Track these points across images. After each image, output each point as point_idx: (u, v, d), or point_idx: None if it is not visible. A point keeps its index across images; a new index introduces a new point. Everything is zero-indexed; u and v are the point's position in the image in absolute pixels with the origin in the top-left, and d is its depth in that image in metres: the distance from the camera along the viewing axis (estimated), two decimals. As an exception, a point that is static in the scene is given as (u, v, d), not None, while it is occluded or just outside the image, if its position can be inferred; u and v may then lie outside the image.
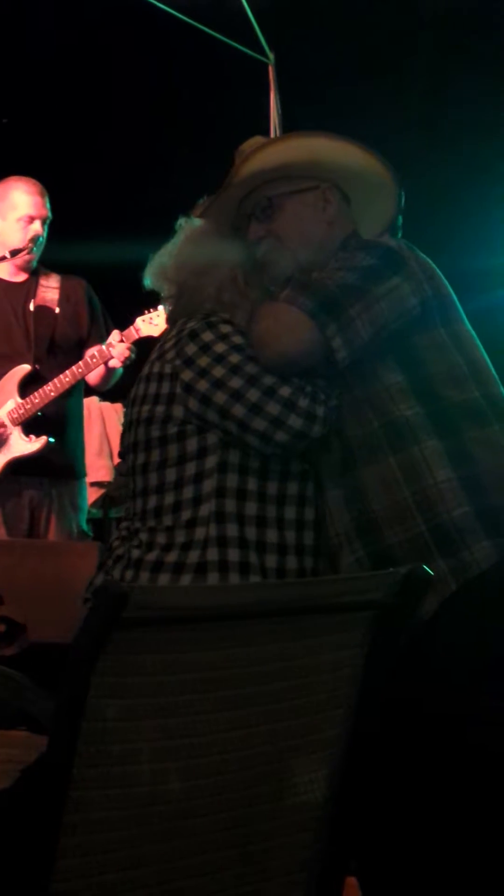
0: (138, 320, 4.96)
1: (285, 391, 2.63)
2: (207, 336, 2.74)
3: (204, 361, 2.70)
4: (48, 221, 5.07)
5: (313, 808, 1.93)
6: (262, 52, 7.21)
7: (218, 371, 2.67)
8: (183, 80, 8.12)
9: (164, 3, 7.13)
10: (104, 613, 1.63)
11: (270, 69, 7.21)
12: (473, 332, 2.80)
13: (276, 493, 2.71)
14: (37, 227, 5.00)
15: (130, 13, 7.21)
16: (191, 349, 2.72)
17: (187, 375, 2.70)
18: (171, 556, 2.64)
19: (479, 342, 2.79)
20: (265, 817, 1.89)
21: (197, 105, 8.03)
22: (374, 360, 2.68)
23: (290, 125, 7.04)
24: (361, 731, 1.95)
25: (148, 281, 2.95)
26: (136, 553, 2.69)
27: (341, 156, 2.84)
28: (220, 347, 2.71)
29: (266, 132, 7.05)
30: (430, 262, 2.78)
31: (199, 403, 2.68)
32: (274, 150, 2.85)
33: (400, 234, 4.89)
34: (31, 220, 5.00)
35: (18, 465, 4.95)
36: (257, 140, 2.90)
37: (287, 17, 7.47)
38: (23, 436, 4.95)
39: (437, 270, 2.78)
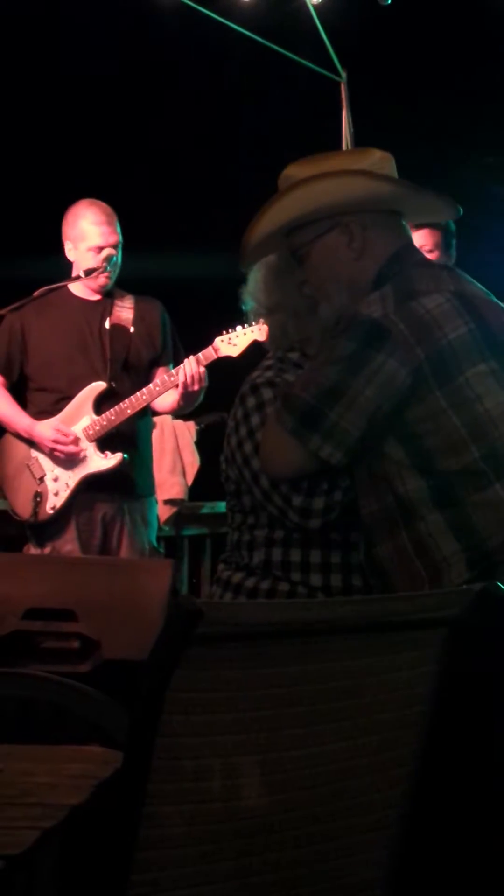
0: (217, 340, 4.97)
1: (284, 487, 2.74)
2: (250, 402, 2.86)
3: (243, 431, 2.84)
4: (120, 245, 5.10)
5: (386, 827, 1.93)
6: (335, 71, 7.23)
7: (247, 447, 2.82)
8: (255, 97, 8.16)
9: (236, 23, 7.17)
10: (178, 630, 1.64)
11: (343, 87, 7.22)
12: (492, 366, 2.67)
13: (320, 562, 2.81)
14: (108, 252, 5.04)
15: (202, 31, 7.25)
16: (241, 412, 2.87)
17: (233, 439, 2.88)
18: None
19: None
20: (338, 835, 1.88)
21: (269, 123, 8.05)
22: (381, 439, 2.66)
23: (361, 143, 7.04)
24: (435, 749, 1.94)
25: (245, 306, 3.01)
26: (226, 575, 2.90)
27: (346, 192, 2.78)
28: (254, 420, 2.83)
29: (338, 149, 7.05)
30: (446, 296, 2.68)
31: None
32: (279, 207, 2.81)
33: (453, 245, 4.85)
34: (101, 249, 5.04)
35: (93, 482, 4.98)
36: (289, 172, 2.86)
37: (360, 35, 7.47)
38: (98, 452, 4.99)
39: (453, 303, 2.67)
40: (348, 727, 1.86)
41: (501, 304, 2.83)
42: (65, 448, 4.94)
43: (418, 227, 4.84)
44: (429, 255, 4.79)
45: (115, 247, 5.06)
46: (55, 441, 4.94)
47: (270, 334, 3.02)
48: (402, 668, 1.90)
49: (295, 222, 2.82)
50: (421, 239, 4.82)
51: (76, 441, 4.96)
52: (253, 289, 2.97)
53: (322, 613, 1.84)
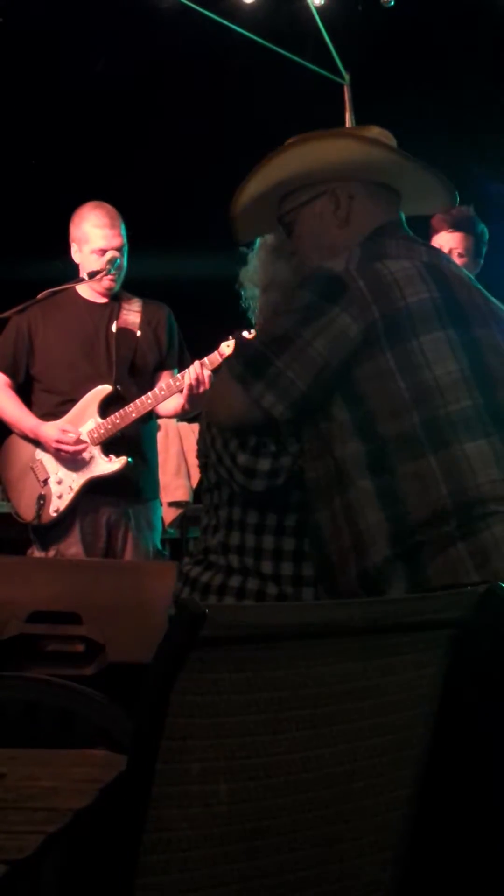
0: (223, 345, 4.96)
1: (232, 445, 2.72)
2: None
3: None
4: (124, 248, 5.10)
5: (392, 829, 1.93)
6: (338, 73, 7.23)
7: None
8: (258, 99, 8.15)
9: (239, 25, 7.17)
10: (183, 632, 1.63)
11: (346, 89, 7.23)
12: (450, 335, 2.61)
13: (273, 548, 2.79)
14: (112, 254, 5.04)
15: (204, 33, 7.25)
16: None
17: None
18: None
19: (476, 347, 2.63)
20: (344, 837, 1.88)
21: (272, 125, 8.05)
22: (328, 399, 2.61)
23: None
24: (440, 751, 1.94)
25: (243, 291, 2.99)
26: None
27: (335, 154, 2.76)
28: None
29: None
30: (414, 263, 2.64)
31: None
32: (269, 168, 2.79)
33: (483, 253, 4.86)
34: (104, 252, 5.04)
35: (97, 485, 4.98)
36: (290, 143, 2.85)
37: (363, 37, 7.47)
38: (102, 455, 4.98)
39: (420, 270, 2.63)
40: (352, 730, 1.85)
41: (494, 300, 2.80)
42: (68, 447, 4.94)
43: (454, 229, 4.86)
44: (458, 260, 4.81)
45: (118, 249, 5.06)
46: (59, 441, 4.94)
47: (261, 314, 2.97)
48: (406, 670, 1.90)
49: (285, 186, 2.80)
50: (453, 241, 4.85)
51: (80, 441, 4.96)
52: (250, 270, 2.96)
53: (326, 616, 1.84)
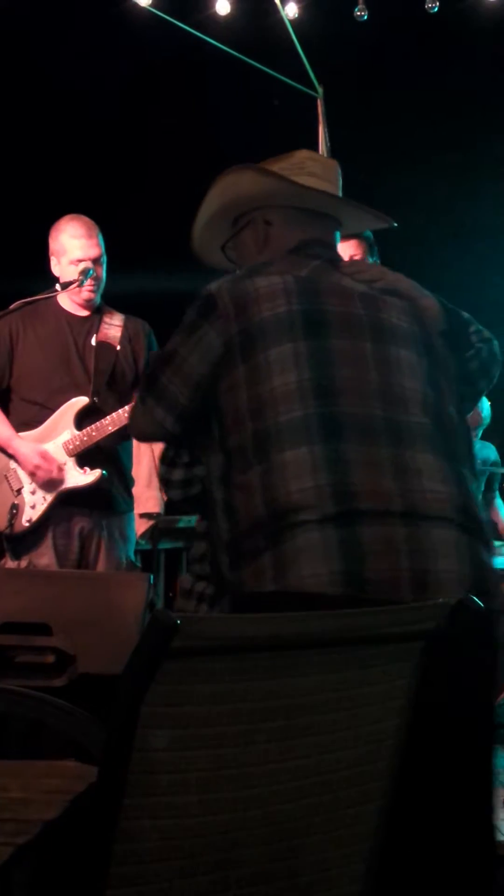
0: None
1: (159, 458, 2.93)
2: None
3: None
4: (102, 259, 5.10)
5: (363, 841, 1.92)
6: (311, 86, 7.25)
7: None
8: (232, 113, 8.17)
9: (214, 38, 7.19)
10: (154, 643, 1.63)
11: (319, 103, 7.25)
12: (300, 347, 2.64)
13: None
14: (85, 265, 5.04)
15: (178, 46, 7.27)
16: None
17: None
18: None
19: (327, 355, 2.64)
20: (315, 849, 1.88)
21: (247, 138, 8.07)
22: (205, 412, 2.71)
23: (338, 157, 7.07)
24: (411, 762, 1.94)
25: None
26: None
27: (246, 187, 2.86)
28: None
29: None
30: (284, 278, 2.69)
31: None
32: (205, 202, 2.91)
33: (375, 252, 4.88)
34: (81, 262, 5.04)
35: (71, 496, 4.98)
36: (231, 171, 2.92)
37: (336, 51, 7.51)
38: (77, 467, 4.97)
39: (286, 284, 2.68)
40: (325, 741, 1.85)
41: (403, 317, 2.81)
42: (46, 475, 4.93)
43: (345, 238, 4.89)
44: None
45: (96, 260, 5.06)
46: (37, 466, 4.93)
47: None
48: (378, 681, 1.90)
49: (221, 218, 2.92)
50: (350, 248, 4.86)
51: (59, 469, 4.95)
52: None
53: (298, 627, 1.84)
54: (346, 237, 4.86)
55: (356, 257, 4.86)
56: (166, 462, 2.92)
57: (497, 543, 7.20)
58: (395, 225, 2.99)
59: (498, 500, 7.51)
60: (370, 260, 4.91)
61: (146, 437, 2.90)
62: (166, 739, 1.69)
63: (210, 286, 2.74)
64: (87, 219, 5.13)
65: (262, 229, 2.87)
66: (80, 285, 5.04)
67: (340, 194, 2.94)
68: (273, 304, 2.65)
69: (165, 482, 2.92)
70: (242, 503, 2.56)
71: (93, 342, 5.09)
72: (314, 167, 2.88)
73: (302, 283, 2.68)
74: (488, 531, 2.62)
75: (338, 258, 2.84)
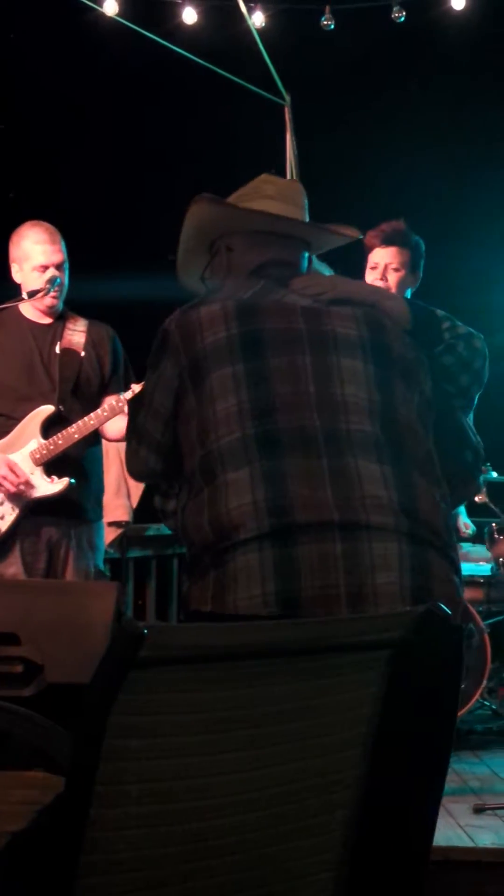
0: None
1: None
2: None
3: None
4: (65, 264, 5.09)
5: (331, 849, 1.93)
6: (279, 94, 7.27)
7: None
8: (201, 121, 8.18)
9: (181, 48, 7.19)
10: (122, 653, 1.63)
11: (286, 110, 7.27)
12: (239, 369, 2.68)
13: None
14: (52, 273, 5.03)
15: (145, 54, 7.27)
16: None
17: None
18: None
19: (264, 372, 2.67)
20: (283, 858, 1.88)
21: (216, 145, 8.08)
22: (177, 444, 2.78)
23: (306, 164, 7.10)
24: (378, 771, 1.94)
25: None
26: None
27: (198, 217, 2.91)
28: None
29: (283, 172, 7.10)
30: (225, 303, 2.74)
31: None
32: (182, 238, 2.97)
33: (421, 265, 4.90)
34: (45, 268, 5.02)
35: (39, 505, 4.95)
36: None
37: (303, 59, 7.53)
38: (44, 476, 4.95)
39: (226, 310, 2.73)
40: (293, 750, 1.85)
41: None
42: (13, 487, 4.91)
43: (386, 244, 4.91)
44: (394, 274, 4.86)
45: (59, 266, 5.05)
46: (3, 477, 4.90)
47: None
48: (346, 690, 1.90)
49: (193, 248, 2.98)
50: (388, 256, 4.89)
51: (27, 482, 4.93)
52: None
53: (266, 636, 1.84)
54: (386, 245, 4.91)
55: (392, 266, 4.90)
56: (160, 493, 2.95)
57: (469, 547, 7.24)
58: (361, 237, 3.00)
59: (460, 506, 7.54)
60: (411, 268, 4.94)
61: (139, 478, 3.01)
62: (134, 749, 1.68)
63: (166, 321, 2.81)
64: (49, 225, 5.11)
65: (225, 256, 2.91)
66: (48, 293, 5.02)
67: (306, 212, 2.95)
68: (214, 330, 2.70)
69: (161, 513, 2.96)
70: (194, 526, 2.61)
71: (57, 350, 5.06)
72: (269, 189, 2.91)
73: (241, 306, 2.73)
74: (444, 534, 2.59)
75: (290, 276, 2.83)
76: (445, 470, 2.75)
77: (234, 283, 2.81)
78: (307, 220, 2.95)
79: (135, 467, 2.90)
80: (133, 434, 2.84)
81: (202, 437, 2.63)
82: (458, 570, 2.60)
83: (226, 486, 2.55)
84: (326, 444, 2.55)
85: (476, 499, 7.20)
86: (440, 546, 2.54)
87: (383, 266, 4.90)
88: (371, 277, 4.92)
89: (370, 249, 4.94)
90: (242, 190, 2.94)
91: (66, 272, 5.09)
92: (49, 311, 5.11)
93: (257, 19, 7.44)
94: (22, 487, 4.91)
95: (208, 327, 2.70)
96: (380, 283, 4.86)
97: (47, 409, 4.98)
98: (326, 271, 3.12)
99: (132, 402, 2.88)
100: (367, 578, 2.44)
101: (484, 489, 6.92)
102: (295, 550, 2.46)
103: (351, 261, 4.79)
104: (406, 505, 2.53)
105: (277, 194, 2.90)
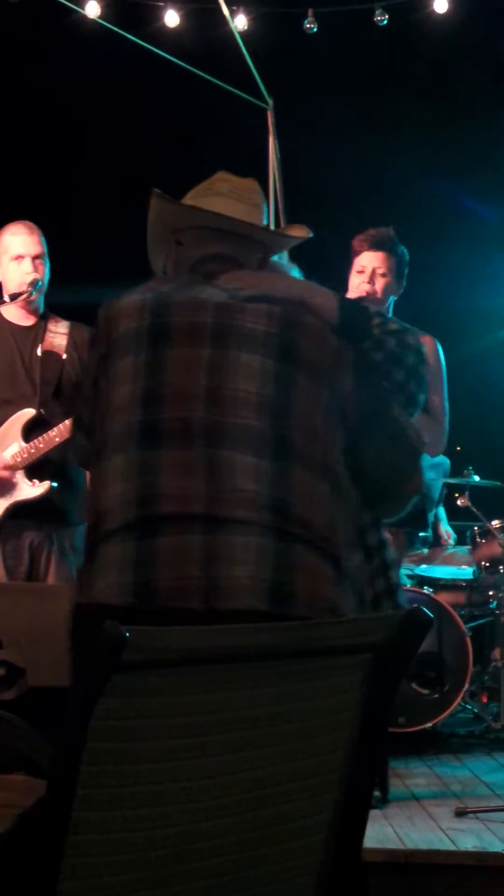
0: None
1: None
2: None
3: None
4: (44, 257, 5.08)
5: (314, 852, 1.92)
6: (262, 98, 7.27)
7: None
8: (185, 125, 8.18)
9: (165, 51, 7.19)
10: (104, 656, 1.63)
11: (269, 114, 7.27)
12: (141, 358, 2.71)
13: None
14: (27, 265, 5.02)
15: (127, 57, 7.26)
16: None
17: None
18: None
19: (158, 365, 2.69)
20: (266, 861, 1.88)
21: (199, 148, 8.09)
22: None
23: (289, 167, 7.11)
24: (360, 774, 1.94)
25: None
26: None
27: (155, 213, 2.92)
28: None
29: (266, 174, 7.10)
30: (142, 295, 2.77)
31: None
32: (148, 232, 2.98)
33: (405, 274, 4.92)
34: (21, 258, 5.02)
35: (20, 509, 4.94)
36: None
37: (286, 63, 7.53)
38: (26, 480, 4.94)
39: (141, 301, 2.75)
40: (276, 753, 1.85)
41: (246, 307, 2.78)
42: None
43: (375, 249, 4.92)
44: (380, 280, 4.88)
45: (36, 257, 5.03)
46: None
47: None
48: (328, 692, 1.90)
49: (156, 242, 2.99)
50: (376, 260, 4.90)
51: (8, 466, 4.92)
52: None
53: (249, 639, 1.84)
54: (375, 249, 4.93)
55: (380, 271, 4.91)
56: None
57: (451, 550, 7.26)
58: (311, 235, 3.01)
59: (441, 512, 7.55)
60: (397, 275, 4.95)
61: (80, 465, 2.97)
62: (116, 753, 1.68)
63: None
64: (28, 221, 5.12)
65: (175, 250, 2.93)
66: (30, 296, 5.02)
67: (262, 211, 2.95)
68: (128, 320, 2.73)
69: None
70: (86, 512, 2.66)
71: (38, 352, 5.06)
72: (222, 187, 2.93)
73: (158, 298, 2.75)
74: (324, 531, 2.57)
75: (223, 272, 2.84)
76: (377, 468, 2.75)
77: (164, 277, 2.87)
78: (264, 218, 2.95)
79: (74, 453, 2.95)
80: (74, 423, 2.90)
81: (100, 422, 2.67)
82: (338, 566, 2.56)
83: (106, 473, 2.60)
84: (206, 436, 2.58)
85: (458, 502, 7.22)
86: (313, 541, 2.53)
87: (371, 270, 4.91)
88: (357, 281, 4.93)
89: (357, 253, 4.95)
90: (199, 186, 2.96)
91: (47, 266, 5.08)
92: (30, 311, 5.10)
93: (240, 22, 7.44)
94: (3, 474, 4.90)
95: (125, 317, 2.74)
96: (366, 287, 4.87)
97: (28, 413, 4.97)
98: (294, 272, 3.12)
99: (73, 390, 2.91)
100: (222, 571, 2.46)
101: (467, 493, 6.94)
102: (156, 541, 2.49)
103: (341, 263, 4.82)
104: (278, 501, 2.53)
105: (230, 192, 2.92)
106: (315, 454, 2.59)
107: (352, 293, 4.92)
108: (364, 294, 4.86)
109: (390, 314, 5.01)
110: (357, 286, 4.91)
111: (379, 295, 4.90)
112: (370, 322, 2.90)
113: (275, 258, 3.03)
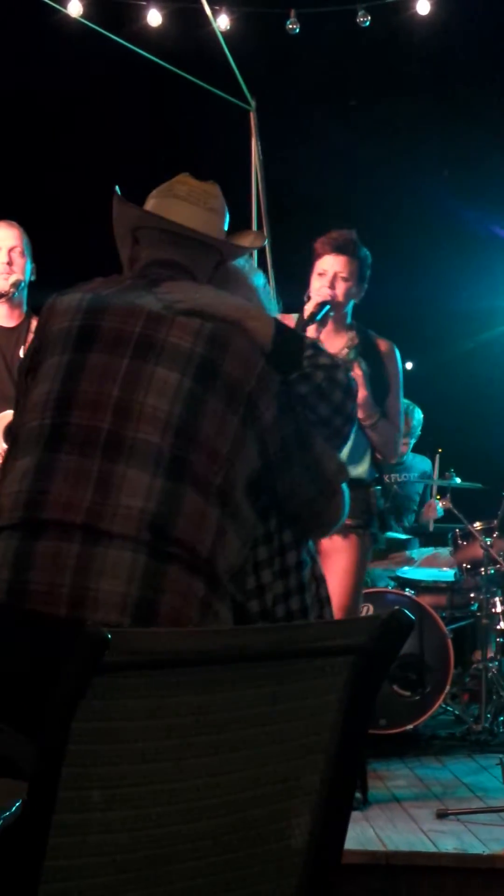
0: None
1: None
2: None
3: None
4: (24, 252, 5.07)
5: (295, 854, 1.92)
6: (244, 99, 7.27)
7: None
8: (168, 125, 8.17)
9: (148, 52, 7.18)
10: (85, 658, 1.62)
11: (252, 115, 7.27)
12: (65, 358, 2.72)
13: None
14: (2, 255, 5.01)
15: (109, 57, 7.25)
16: None
17: None
18: None
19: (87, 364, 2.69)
20: (247, 863, 1.87)
21: (183, 149, 8.08)
22: None
23: (271, 169, 7.11)
24: (341, 776, 1.94)
25: None
26: None
27: (117, 213, 2.94)
28: None
29: (248, 176, 7.10)
30: (82, 295, 2.77)
31: None
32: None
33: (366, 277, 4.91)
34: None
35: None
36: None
37: (269, 65, 7.53)
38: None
39: (79, 301, 2.75)
40: (256, 755, 1.85)
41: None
42: None
43: (337, 253, 4.91)
44: (341, 284, 4.87)
45: (12, 250, 5.03)
46: None
47: None
48: (308, 695, 1.90)
49: (120, 235, 2.99)
50: (337, 265, 4.89)
51: None
52: None
53: (229, 641, 1.84)
54: (337, 253, 4.92)
55: (342, 275, 4.90)
56: None
57: (433, 551, 7.28)
58: (266, 243, 3.02)
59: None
60: (359, 280, 4.95)
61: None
62: (97, 755, 1.68)
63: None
64: (11, 221, 5.13)
65: (131, 248, 2.93)
66: (12, 298, 5.01)
67: (222, 215, 2.93)
68: (62, 319, 2.73)
69: None
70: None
71: (21, 353, 5.05)
72: (180, 190, 2.92)
73: (95, 300, 2.74)
74: (205, 553, 2.56)
75: (168, 278, 2.82)
76: (290, 497, 2.75)
77: (111, 278, 2.86)
78: (224, 223, 2.94)
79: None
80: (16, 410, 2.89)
81: (19, 418, 2.71)
82: (216, 588, 2.56)
83: (12, 471, 2.63)
84: (106, 447, 2.58)
85: (440, 504, 7.24)
86: (191, 562, 2.53)
87: (332, 274, 4.90)
88: (318, 284, 4.92)
89: (319, 256, 4.94)
90: (161, 186, 2.95)
91: (28, 259, 5.07)
92: (15, 309, 5.09)
93: (222, 22, 7.43)
94: None
95: (60, 315, 2.74)
96: (327, 291, 4.87)
97: (10, 415, 4.96)
98: (258, 278, 3.10)
99: None
100: (91, 583, 2.47)
101: (448, 495, 6.96)
102: (37, 545, 2.52)
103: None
104: (161, 520, 2.53)
105: (188, 195, 2.90)
106: (212, 478, 2.58)
107: (312, 296, 4.91)
108: (326, 298, 4.85)
109: (349, 319, 5.03)
110: (318, 290, 4.90)
111: (340, 299, 4.90)
112: (302, 353, 2.87)
113: (241, 261, 3.02)
